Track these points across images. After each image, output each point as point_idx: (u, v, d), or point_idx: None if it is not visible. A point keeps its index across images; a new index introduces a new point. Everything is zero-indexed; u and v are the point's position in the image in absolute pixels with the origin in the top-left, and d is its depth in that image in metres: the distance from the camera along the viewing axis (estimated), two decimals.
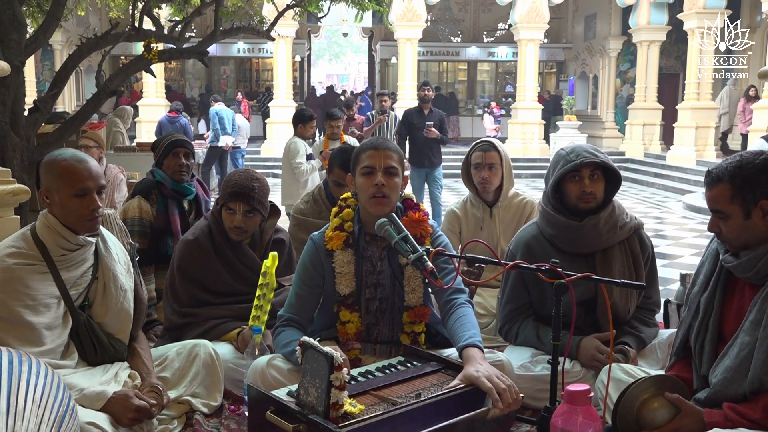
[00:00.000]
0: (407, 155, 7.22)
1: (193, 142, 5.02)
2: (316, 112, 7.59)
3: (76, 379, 2.08)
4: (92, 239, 2.21)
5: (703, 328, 2.09)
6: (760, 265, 1.94)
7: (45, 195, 2.15)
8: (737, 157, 1.99)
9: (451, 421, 1.92)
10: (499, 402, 1.98)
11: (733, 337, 1.97)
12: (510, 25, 16.74)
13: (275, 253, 2.67)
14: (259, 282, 2.63)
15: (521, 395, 2.06)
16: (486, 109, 19.28)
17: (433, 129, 7.10)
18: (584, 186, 2.58)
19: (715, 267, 2.12)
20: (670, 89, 17.41)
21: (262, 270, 2.63)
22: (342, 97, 19.26)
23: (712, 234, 2.10)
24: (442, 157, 7.65)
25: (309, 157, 6.16)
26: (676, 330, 2.34)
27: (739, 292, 2.05)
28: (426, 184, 7.61)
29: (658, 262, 2.83)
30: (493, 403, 1.99)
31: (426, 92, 7.55)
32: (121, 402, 2.05)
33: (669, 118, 15.86)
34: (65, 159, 2.13)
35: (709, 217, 2.05)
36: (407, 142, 7.53)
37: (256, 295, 2.64)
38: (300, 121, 6.27)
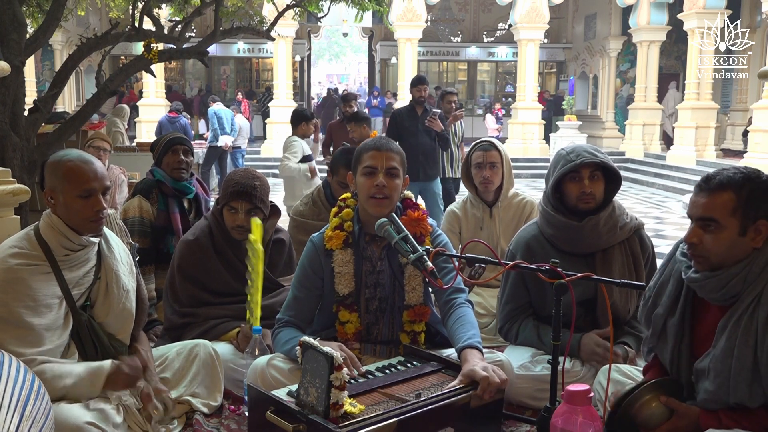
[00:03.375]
0: None
1: (193, 142, 5.01)
2: (330, 111, 7.13)
3: (70, 366, 2.08)
4: (95, 240, 2.21)
5: (676, 354, 2.00)
6: (729, 285, 1.84)
7: (50, 195, 2.15)
8: (740, 169, 1.86)
9: (432, 406, 1.95)
10: (485, 392, 2.01)
11: (708, 361, 1.89)
12: (510, 25, 16.73)
13: (258, 221, 2.66)
14: (249, 263, 2.63)
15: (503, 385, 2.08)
16: (488, 110, 19.27)
17: (438, 120, 5.76)
18: (584, 186, 2.58)
19: (680, 290, 1.99)
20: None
21: (248, 242, 2.62)
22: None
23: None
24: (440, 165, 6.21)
25: (308, 159, 6.14)
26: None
27: (707, 312, 1.96)
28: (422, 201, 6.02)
29: (658, 262, 2.82)
30: (479, 390, 2.01)
31: (422, 93, 6.14)
32: (114, 373, 2.09)
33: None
34: (71, 160, 2.14)
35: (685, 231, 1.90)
36: None
37: (248, 281, 2.64)
38: (303, 119, 6.27)
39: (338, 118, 8.07)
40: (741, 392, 1.82)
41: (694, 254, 1.88)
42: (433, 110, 5.86)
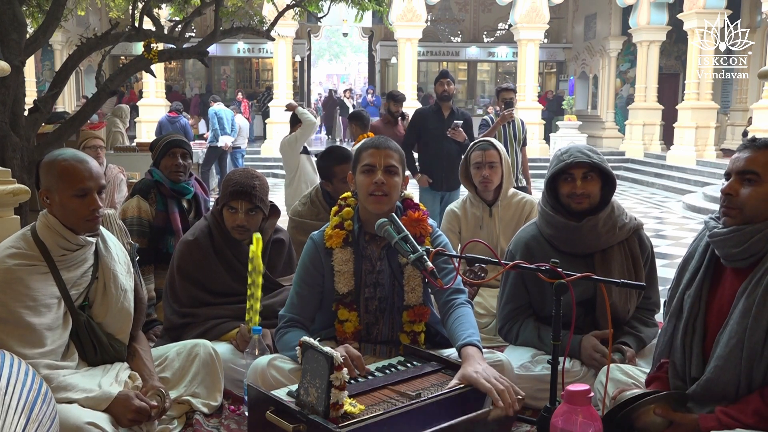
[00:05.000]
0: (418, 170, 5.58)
1: (193, 143, 5.01)
2: (331, 112, 7.08)
3: (76, 379, 2.08)
4: (92, 239, 2.21)
5: (690, 329, 2.05)
6: (751, 242, 1.91)
7: (45, 195, 2.15)
8: None
9: (452, 422, 1.92)
10: (500, 402, 1.98)
11: (723, 325, 1.95)
12: (510, 25, 16.74)
13: (259, 235, 2.70)
14: (249, 269, 2.65)
15: (522, 395, 2.06)
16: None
17: (461, 129, 5.29)
18: (575, 187, 2.58)
19: (702, 260, 2.08)
20: (670, 89, 17.42)
21: (249, 256, 2.64)
22: (345, 98, 19.03)
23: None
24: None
25: (306, 151, 6.18)
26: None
27: (722, 287, 2.02)
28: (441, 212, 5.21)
29: (658, 262, 2.83)
30: (493, 403, 1.99)
31: (446, 87, 5.52)
32: (122, 402, 2.05)
33: (669, 118, 15.87)
34: (65, 159, 2.13)
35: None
36: (417, 152, 5.74)
37: (248, 283, 2.66)
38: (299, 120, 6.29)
39: (380, 118, 7.75)
40: (754, 352, 1.85)
41: (728, 206, 1.97)
42: (455, 121, 5.35)
